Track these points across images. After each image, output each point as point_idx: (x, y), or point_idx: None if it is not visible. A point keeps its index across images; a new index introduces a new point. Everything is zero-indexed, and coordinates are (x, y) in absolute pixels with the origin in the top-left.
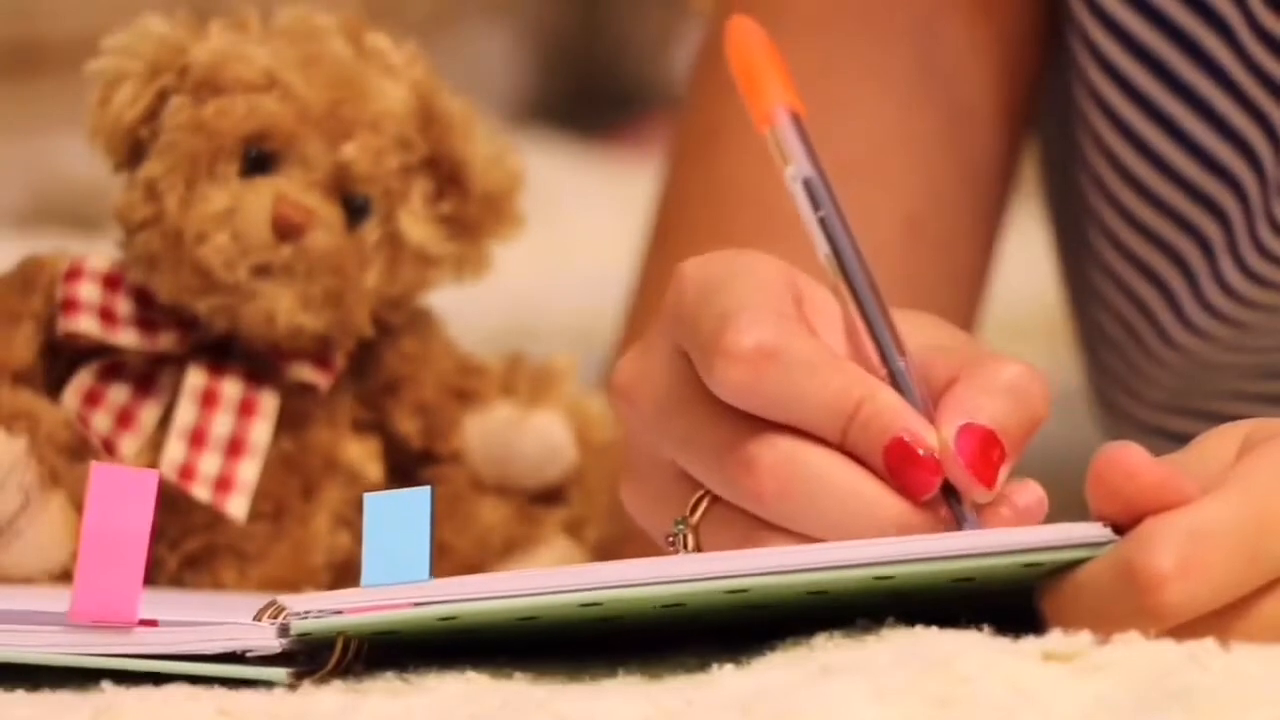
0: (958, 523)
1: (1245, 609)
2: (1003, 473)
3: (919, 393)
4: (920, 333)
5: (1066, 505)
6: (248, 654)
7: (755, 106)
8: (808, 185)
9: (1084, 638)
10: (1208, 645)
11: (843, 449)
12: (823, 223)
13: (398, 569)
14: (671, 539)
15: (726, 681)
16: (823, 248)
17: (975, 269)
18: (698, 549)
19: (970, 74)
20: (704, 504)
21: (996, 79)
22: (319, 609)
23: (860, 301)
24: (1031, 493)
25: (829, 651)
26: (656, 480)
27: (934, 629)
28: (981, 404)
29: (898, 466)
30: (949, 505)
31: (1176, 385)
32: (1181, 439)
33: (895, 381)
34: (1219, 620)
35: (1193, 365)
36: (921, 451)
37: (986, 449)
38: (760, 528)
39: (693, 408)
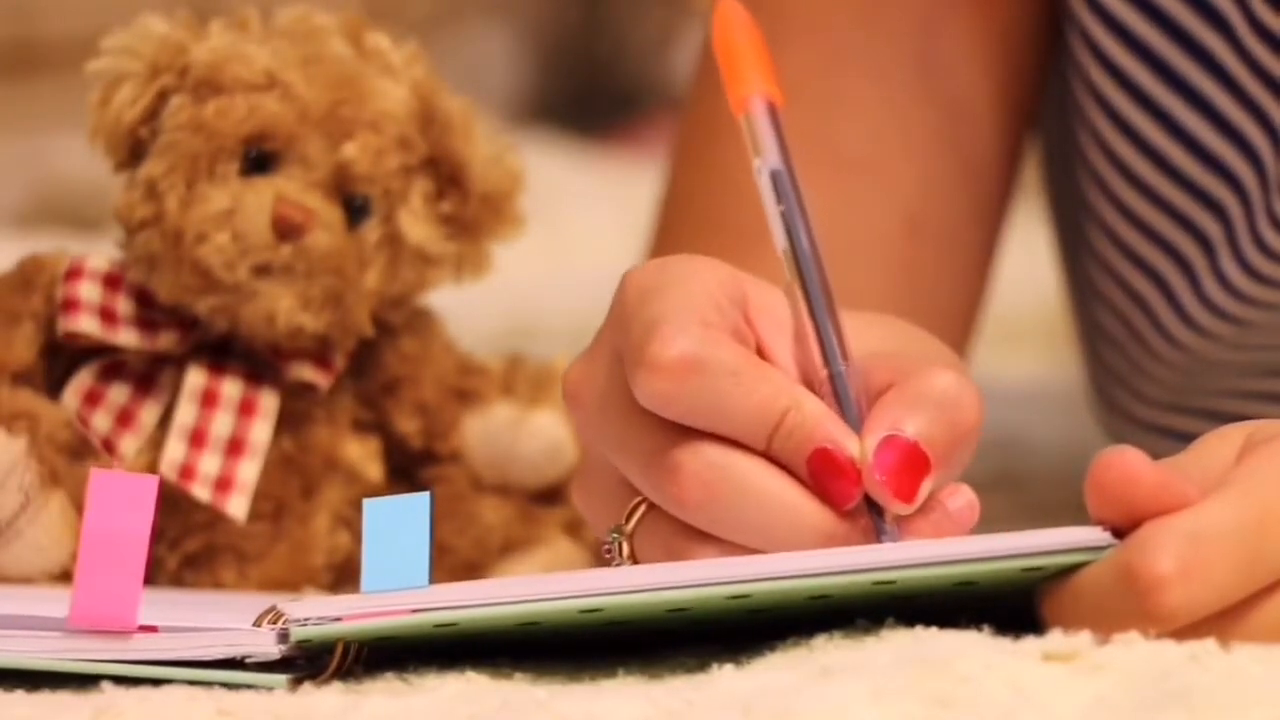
0: (876, 534)
1: (1246, 611)
2: (925, 485)
3: (856, 399)
4: (875, 335)
5: (1066, 505)
6: (247, 659)
7: (733, 92)
8: (774, 178)
9: (1084, 638)
10: (1208, 645)
11: (768, 457)
12: (783, 217)
13: (397, 575)
14: (608, 546)
15: (726, 681)
16: (780, 242)
17: (976, 266)
18: (633, 557)
19: (970, 72)
20: (640, 511)
21: (996, 77)
22: (318, 616)
23: (810, 301)
24: (963, 496)
25: (829, 652)
26: (602, 483)
27: (934, 629)
28: (907, 415)
29: (820, 476)
30: (870, 515)
31: (1177, 383)
32: (1183, 437)
33: (834, 385)
34: (1220, 622)
35: (1194, 363)
36: (844, 461)
37: (907, 462)
38: (687, 535)
39: (627, 413)
